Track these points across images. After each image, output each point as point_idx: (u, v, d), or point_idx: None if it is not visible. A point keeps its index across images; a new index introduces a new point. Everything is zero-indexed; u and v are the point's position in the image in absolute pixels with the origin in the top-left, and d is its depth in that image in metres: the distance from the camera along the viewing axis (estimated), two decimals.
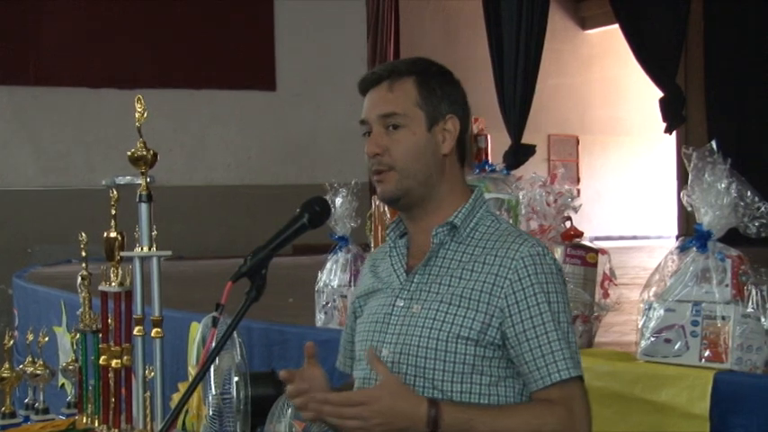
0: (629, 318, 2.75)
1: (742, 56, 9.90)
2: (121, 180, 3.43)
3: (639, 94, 13.07)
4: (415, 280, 2.05)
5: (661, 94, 9.07)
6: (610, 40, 13.49)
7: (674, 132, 9.69)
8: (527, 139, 9.64)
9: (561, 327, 1.94)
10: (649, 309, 2.53)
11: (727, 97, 10.06)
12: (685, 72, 10.79)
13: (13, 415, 3.74)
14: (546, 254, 1.98)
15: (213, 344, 1.93)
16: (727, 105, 10.02)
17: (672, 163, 12.08)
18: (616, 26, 10.12)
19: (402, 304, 2.05)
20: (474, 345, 1.94)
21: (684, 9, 9.21)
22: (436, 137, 2.05)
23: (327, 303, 3.74)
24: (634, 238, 13.86)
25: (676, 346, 2.47)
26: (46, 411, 3.79)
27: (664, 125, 9.13)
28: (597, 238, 12.63)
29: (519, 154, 9.21)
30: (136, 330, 3.31)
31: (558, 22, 14.13)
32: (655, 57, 9.29)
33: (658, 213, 13.89)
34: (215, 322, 1.93)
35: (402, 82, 2.05)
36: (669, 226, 12.49)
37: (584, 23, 15.02)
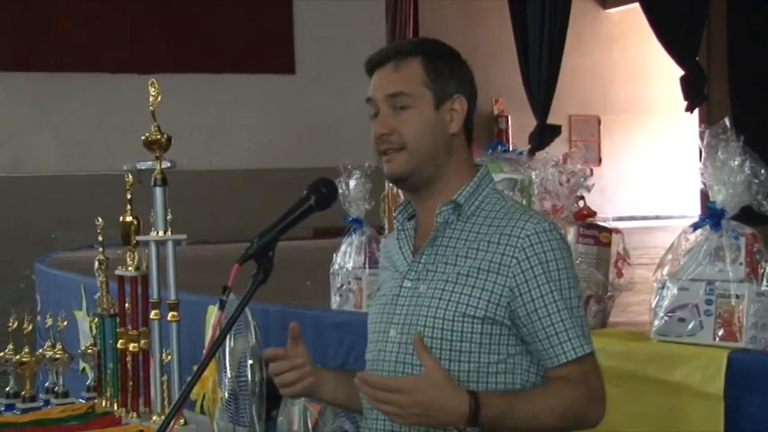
0: (646, 297, 2.74)
1: (766, 34, 9.78)
2: (142, 165, 3.45)
3: (662, 74, 12.93)
4: (423, 260, 2.05)
5: (682, 73, 8.99)
6: (630, 19, 13.37)
7: (697, 112, 9.59)
8: (548, 119, 9.59)
9: (570, 303, 1.95)
10: (663, 288, 2.52)
11: (751, 76, 9.95)
12: (708, 51, 10.68)
13: (33, 399, 3.77)
14: (552, 229, 1.98)
15: (220, 328, 1.93)
16: (751, 84, 9.91)
17: (695, 142, 11.94)
18: (636, 5, 10.02)
19: (409, 285, 2.05)
20: (480, 323, 1.95)
21: None
22: (444, 116, 2.05)
23: (342, 286, 3.74)
24: (657, 217, 13.78)
25: (690, 326, 2.46)
26: (66, 395, 3.82)
27: (685, 104, 9.05)
28: (620, 218, 12.61)
29: (545, 135, 9.17)
30: (152, 314, 3.33)
31: (578, 1, 13.96)
32: (675, 35, 9.20)
33: (681, 193, 13.79)
34: (222, 305, 1.93)
35: (408, 62, 2.05)
36: (692, 205, 12.41)
37: (605, 3, 14.89)
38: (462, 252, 2.00)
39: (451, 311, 1.96)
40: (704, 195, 2.55)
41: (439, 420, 1.85)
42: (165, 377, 3.33)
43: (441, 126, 2.04)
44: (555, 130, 9.37)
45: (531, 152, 3.37)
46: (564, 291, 1.95)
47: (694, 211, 11.94)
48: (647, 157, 15.05)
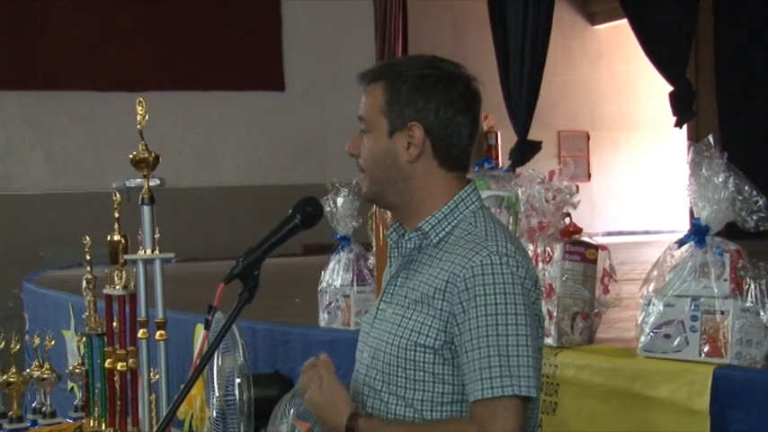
0: (633, 313, 2.74)
1: (753, 49, 9.85)
2: (131, 183, 3.44)
3: (650, 90, 13.00)
4: (398, 283, 2.05)
5: (671, 89, 9.03)
6: (619, 36, 13.42)
7: (686, 127, 9.63)
8: (537, 135, 9.62)
9: (503, 340, 1.86)
10: (648, 304, 2.53)
11: (739, 91, 10.00)
12: (696, 66, 10.73)
13: (20, 419, 3.77)
14: (503, 263, 1.89)
15: (206, 347, 1.93)
16: (739, 100, 9.96)
17: (683, 158, 11.95)
18: (625, 21, 10.07)
19: (383, 307, 2.06)
20: (432, 353, 1.93)
21: (693, 3, 9.16)
22: (398, 144, 2.01)
23: (330, 303, 3.75)
24: (646, 232, 13.81)
25: (676, 342, 2.47)
26: (53, 415, 3.82)
27: (674, 120, 9.09)
28: (609, 233, 12.61)
29: (525, 151, 9.17)
30: (140, 333, 3.32)
31: (566, 17, 14.07)
32: (664, 51, 9.25)
33: (670, 208, 13.82)
34: (207, 325, 1.93)
35: (374, 87, 2.04)
36: (681, 220, 12.44)
37: (593, 19, 14.95)
38: (424, 278, 1.98)
39: (405, 340, 1.95)
40: (692, 211, 2.56)
41: (327, 425, 2.00)
42: (153, 396, 3.32)
43: (394, 154, 2.02)
44: (535, 147, 9.37)
45: (512, 168, 3.38)
46: (499, 327, 1.86)
47: (683, 225, 11.98)
48: (636, 172, 15.09)
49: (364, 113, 2.05)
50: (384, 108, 2.02)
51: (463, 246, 1.95)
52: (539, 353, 1.94)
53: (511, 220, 3.00)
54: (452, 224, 2.01)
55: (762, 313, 2.39)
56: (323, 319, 3.81)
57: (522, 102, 9.23)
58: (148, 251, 3.28)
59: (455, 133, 2.02)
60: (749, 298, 2.39)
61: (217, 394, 3.00)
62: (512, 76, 9.34)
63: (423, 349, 1.93)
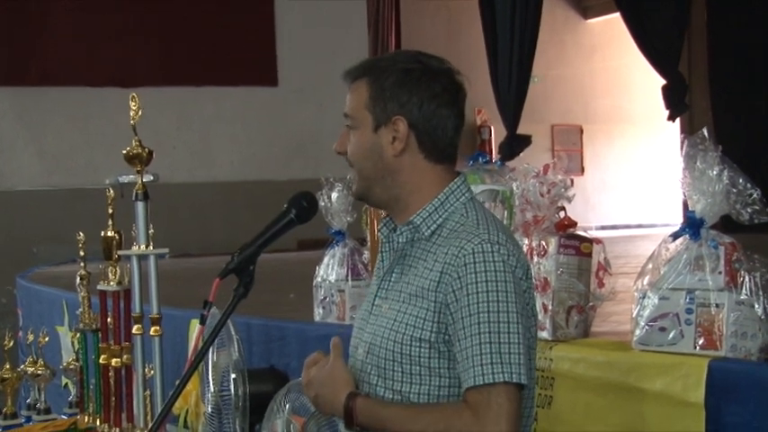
0: (628, 307, 2.74)
1: (746, 43, 9.84)
2: (125, 179, 3.45)
3: (643, 83, 13.02)
4: (393, 279, 2.06)
5: (664, 82, 9.04)
6: (612, 29, 13.43)
7: (679, 120, 9.64)
8: (531, 129, 9.61)
9: (495, 327, 1.87)
10: (643, 297, 2.53)
11: (732, 85, 9.99)
12: (689, 60, 10.73)
13: (14, 416, 3.77)
14: (494, 251, 1.91)
15: (201, 342, 1.93)
16: (732, 93, 9.96)
17: (677, 151, 11.96)
18: (618, 15, 10.08)
19: (378, 303, 2.07)
20: (428, 346, 1.94)
21: None
22: (383, 139, 2.03)
23: (325, 298, 3.75)
24: (640, 226, 13.84)
25: (671, 335, 2.47)
26: (47, 411, 3.82)
27: (667, 113, 9.10)
28: (603, 227, 12.63)
29: (514, 145, 9.17)
30: (135, 329, 3.32)
31: (559, 12, 14.08)
32: (656, 44, 9.25)
33: (664, 201, 13.85)
34: (202, 320, 1.93)
35: (358, 84, 2.06)
36: (674, 214, 12.46)
37: (586, 13, 14.96)
38: (420, 272, 1.99)
39: (401, 334, 1.96)
40: (686, 204, 2.56)
41: (325, 408, 2.03)
42: (147, 392, 3.32)
43: (379, 149, 2.03)
44: (525, 141, 9.37)
45: (502, 162, 3.38)
46: (491, 314, 1.87)
47: (677, 219, 11.99)
48: (629, 165, 15.12)
49: (349, 110, 2.06)
50: (368, 103, 2.03)
51: (455, 236, 1.96)
52: (530, 341, 1.95)
53: (505, 215, 3.00)
54: (444, 216, 2.02)
55: (756, 306, 2.39)
56: (318, 314, 3.81)
57: (512, 95, 9.21)
58: (142, 247, 3.29)
59: (439, 126, 2.03)
60: (744, 291, 2.39)
61: (212, 390, 3.00)
62: (500, 70, 9.32)
63: (418, 343, 1.94)
